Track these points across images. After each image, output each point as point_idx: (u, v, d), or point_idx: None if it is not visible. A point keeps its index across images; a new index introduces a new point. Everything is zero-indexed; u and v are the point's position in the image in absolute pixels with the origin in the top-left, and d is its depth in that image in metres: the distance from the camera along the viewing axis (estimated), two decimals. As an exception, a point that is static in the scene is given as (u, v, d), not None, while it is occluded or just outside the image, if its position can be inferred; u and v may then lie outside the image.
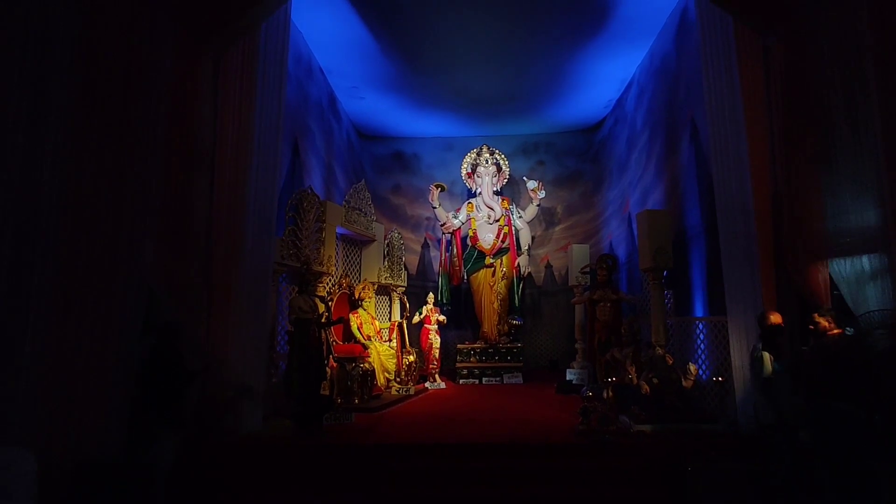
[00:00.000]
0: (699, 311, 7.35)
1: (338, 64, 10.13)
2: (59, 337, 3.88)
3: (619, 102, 11.61)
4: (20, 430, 3.45)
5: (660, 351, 6.70)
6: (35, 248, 3.65)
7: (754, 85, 5.73)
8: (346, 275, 9.27)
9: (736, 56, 5.85)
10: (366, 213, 9.54)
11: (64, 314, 3.94)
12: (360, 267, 9.94)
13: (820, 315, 4.34)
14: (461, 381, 10.53)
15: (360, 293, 8.85)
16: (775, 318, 4.81)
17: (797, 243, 5.17)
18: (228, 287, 5.79)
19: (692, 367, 6.45)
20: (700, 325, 7.19)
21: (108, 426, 4.24)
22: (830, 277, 4.90)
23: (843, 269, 4.64)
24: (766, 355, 4.83)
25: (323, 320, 7.21)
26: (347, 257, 9.59)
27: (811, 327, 4.40)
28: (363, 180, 10.03)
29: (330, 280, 8.42)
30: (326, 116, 10.67)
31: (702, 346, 7.09)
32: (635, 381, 6.70)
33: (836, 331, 4.24)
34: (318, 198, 7.86)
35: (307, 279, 7.02)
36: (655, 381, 6.37)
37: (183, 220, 5.45)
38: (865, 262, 4.40)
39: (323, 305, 7.39)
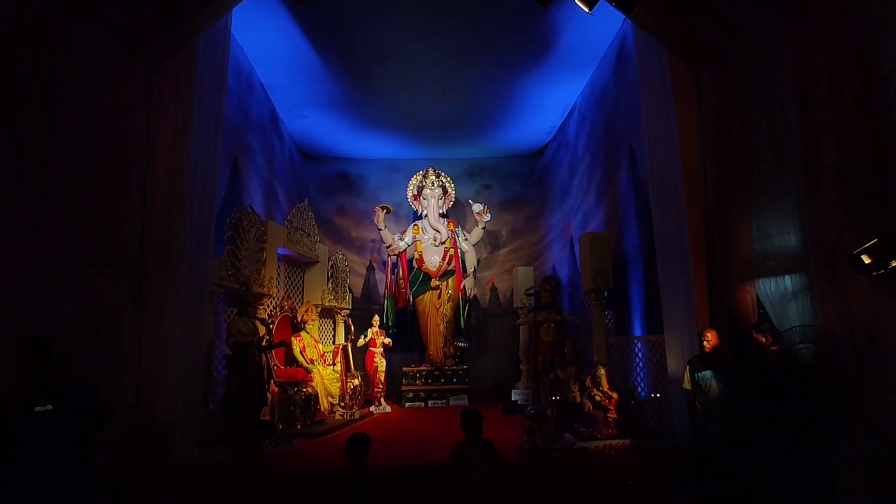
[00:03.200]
0: (638, 330, 7.56)
1: (280, 81, 9.99)
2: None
3: (562, 128, 11.97)
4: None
5: (602, 370, 6.85)
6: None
7: (688, 116, 6.01)
8: (289, 297, 9.03)
9: (671, 88, 6.11)
10: (309, 234, 9.36)
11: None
12: (302, 289, 9.71)
13: (757, 332, 4.54)
14: (407, 405, 10.39)
15: (302, 316, 8.62)
16: (711, 335, 5.01)
17: (727, 265, 5.44)
18: (162, 309, 5.50)
19: (632, 385, 6.63)
20: (639, 344, 7.38)
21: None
22: (757, 297, 5.15)
23: (769, 288, 4.88)
24: (687, 369, 5.07)
25: (264, 343, 6.98)
26: (290, 279, 9.36)
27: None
28: (306, 200, 9.87)
29: (271, 302, 8.19)
30: (268, 135, 10.48)
31: (640, 363, 7.27)
32: (578, 399, 6.80)
33: (774, 347, 4.43)
34: (259, 217, 7.67)
35: (247, 301, 6.80)
36: (599, 398, 6.51)
37: (114, 240, 5.19)
38: (788, 281, 4.66)
39: (263, 328, 7.16)
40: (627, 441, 5.97)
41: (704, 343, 5.04)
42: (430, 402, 10.44)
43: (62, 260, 4.42)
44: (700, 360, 5.06)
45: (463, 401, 10.44)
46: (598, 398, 6.58)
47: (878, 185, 3.67)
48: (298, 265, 9.61)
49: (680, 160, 5.94)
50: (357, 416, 8.63)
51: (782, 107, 4.63)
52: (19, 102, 4.12)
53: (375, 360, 10.06)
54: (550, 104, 11.08)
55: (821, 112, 4.17)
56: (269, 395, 7.28)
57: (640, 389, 7.05)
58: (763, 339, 4.46)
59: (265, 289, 7.53)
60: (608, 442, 6.02)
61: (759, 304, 5.10)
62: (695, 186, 5.91)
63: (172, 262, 5.60)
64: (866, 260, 3.45)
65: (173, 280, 5.58)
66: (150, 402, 5.35)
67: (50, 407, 3.00)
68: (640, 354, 7.34)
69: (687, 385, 5.07)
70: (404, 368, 10.91)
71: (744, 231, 5.30)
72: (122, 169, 5.31)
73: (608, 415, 6.44)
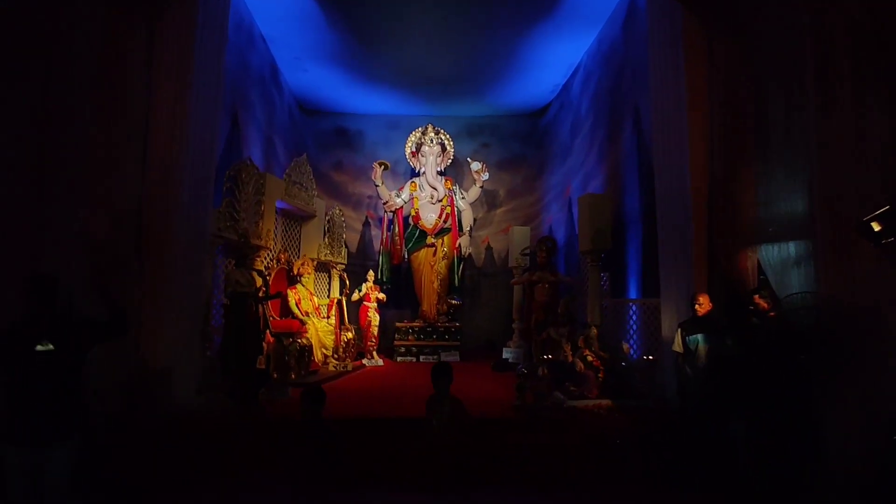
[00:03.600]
0: (633, 292, 7.64)
1: (281, 32, 9.75)
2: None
3: (566, 87, 11.74)
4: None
5: (595, 331, 6.95)
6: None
7: (698, 77, 5.85)
8: (285, 250, 9.05)
9: (682, 47, 5.93)
10: (307, 188, 9.30)
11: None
12: (299, 242, 9.72)
13: (760, 296, 4.51)
14: (399, 359, 10.56)
15: (299, 269, 8.67)
16: (703, 299, 5.06)
17: (729, 230, 5.40)
18: (161, 257, 5.53)
19: (625, 347, 6.74)
20: (633, 307, 7.47)
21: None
22: (758, 263, 5.16)
23: (771, 254, 4.87)
24: (678, 332, 5.13)
25: (260, 294, 7.02)
26: (287, 232, 9.35)
27: (751, 307, 4.58)
28: (304, 154, 9.73)
29: (268, 254, 8.20)
30: (268, 88, 10.30)
31: (634, 326, 7.37)
32: (570, 359, 6.92)
33: (772, 313, 4.43)
34: (258, 170, 7.59)
35: (245, 252, 6.81)
36: (590, 358, 6.63)
37: (115, 188, 5.18)
38: (791, 247, 4.63)
39: (260, 279, 7.19)
40: (616, 401, 6.12)
41: (696, 307, 5.09)
42: (421, 358, 10.60)
43: (65, 205, 4.42)
44: (692, 323, 5.12)
45: (454, 357, 10.60)
46: (589, 358, 6.69)
47: (893, 154, 3.63)
48: (296, 219, 9.58)
49: (687, 122, 5.83)
50: (350, 367, 8.79)
51: (798, 70, 4.49)
52: (19, 51, 4.06)
53: (369, 314, 10.17)
54: (555, 61, 10.82)
55: (839, 79, 4.05)
56: (264, 345, 7.37)
57: (632, 352, 7.17)
58: (764, 304, 4.47)
59: (263, 241, 7.53)
60: (598, 401, 6.18)
61: (760, 272, 5.11)
62: (701, 149, 5.81)
63: (172, 211, 5.59)
64: (876, 227, 3.39)
65: (172, 228, 5.59)
66: (150, 348, 5.43)
67: (51, 346, 3.03)
68: (634, 317, 7.43)
69: (677, 348, 5.14)
70: (397, 324, 11.03)
71: (749, 195, 5.24)
72: (123, 117, 5.26)
73: (599, 375, 6.57)
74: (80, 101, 4.62)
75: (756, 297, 4.54)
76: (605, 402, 6.15)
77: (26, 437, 3.00)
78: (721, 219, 5.55)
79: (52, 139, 4.31)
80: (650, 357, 6.27)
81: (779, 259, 4.76)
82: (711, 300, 5.09)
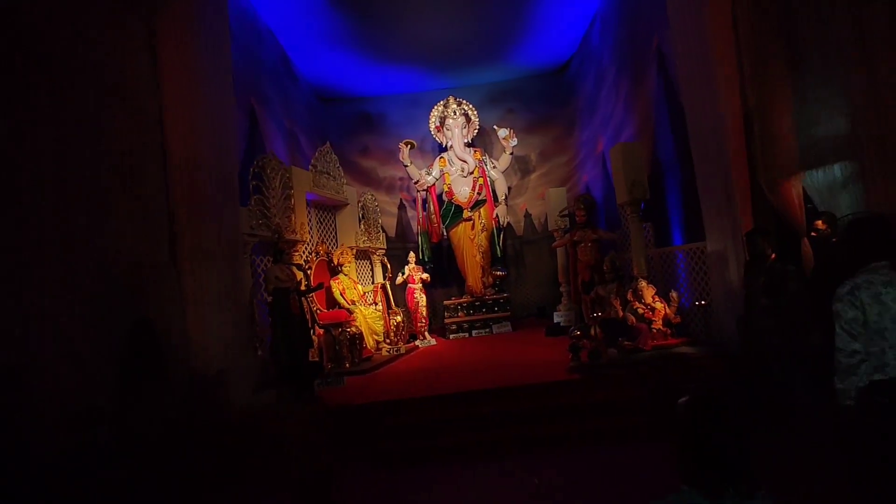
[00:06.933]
0: (678, 240, 7.34)
1: (287, 22, 9.60)
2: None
3: (585, 39, 11.28)
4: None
5: (643, 283, 6.72)
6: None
7: (721, 3, 5.44)
8: (323, 241, 9.10)
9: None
10: (335, 177, 9.30)
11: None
12: (335, 233, 9.76)
13: (823, 221, 4.23)
14: (451, 336, 10.55)
15: (338, 259, 8.71)
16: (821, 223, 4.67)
17: (769, 160, 5.06)
18: (197, 262, 5.53)
19: (674, 295, 6.51)
20: (680, 254, 7.18)
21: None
22: (804, 191, 4.82)
23: (816, 179, 4.57)
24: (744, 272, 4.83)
25: (302, 288, 7.08)
26: (322, 223, 9.40)
27: (814, 234, 4.31)
28: (328, 143, 9.69)
29: (305, 248, 8.25)
30: (282, 80, 10.23)
31: (682, 273, 7.09)
32: (620, 314, 6.73)
33: (834, 238, 4.14)
34: (282, 163, 7.61)
35: (280, 248, 6.85)
36: (641, 310, 6.43)
37: (139, 199, 5.19)
38: (837, 170, 4.34)
39: (300, 273, 7.25)
40: (674, 350, 5.93)
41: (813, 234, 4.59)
42: (473, 332, 10.58)
43: (98, 225, 4.46)
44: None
45: (507, 328, 10.55)
46: (640, 311, 6.50)
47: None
48: (328, 209, 9.62)
49: (713, 53, 5.46)
50: (402, 350, 8.82)
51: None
52: (24, 73, 4.03)
53: (416, 295, 10.17)
54: (570, 13, 10.33)
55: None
56: (315, 337, 7.45)
57: (683, 300, 6.91)
58: (824, 227, 4.17)
59: (298, 235, 7.57)
60: (653, 353, 5.99)
61: (807, 200, 4.78)
62: (731, 80, 5.42)
63: (200, 214, 5.56)
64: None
65: (203, 232, 5.57)
66: (200, 354, 5.47)
67: None
68: (681, 265, 7.14)
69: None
70: (445, 302, 11.01)
71: (786, 122, 4.87)
72: (139, 128, 5.24)
73: (652, 326, 6.38)
74: (96, 114, 4.62)
75: (819, 221, 4.24)
76: (661, 352, 5.95)
77: None
78: (760, 151, 5.18)
79: (69, 156, 4.29)
80: (703, 302, 6.00)
81: (825, 183, 4.45)
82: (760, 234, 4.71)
